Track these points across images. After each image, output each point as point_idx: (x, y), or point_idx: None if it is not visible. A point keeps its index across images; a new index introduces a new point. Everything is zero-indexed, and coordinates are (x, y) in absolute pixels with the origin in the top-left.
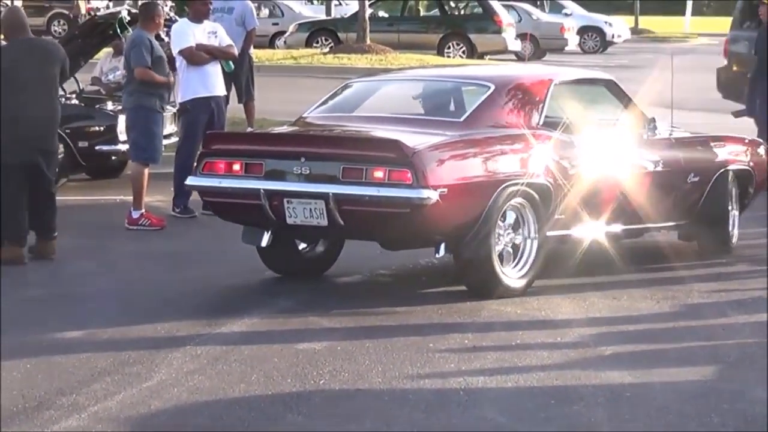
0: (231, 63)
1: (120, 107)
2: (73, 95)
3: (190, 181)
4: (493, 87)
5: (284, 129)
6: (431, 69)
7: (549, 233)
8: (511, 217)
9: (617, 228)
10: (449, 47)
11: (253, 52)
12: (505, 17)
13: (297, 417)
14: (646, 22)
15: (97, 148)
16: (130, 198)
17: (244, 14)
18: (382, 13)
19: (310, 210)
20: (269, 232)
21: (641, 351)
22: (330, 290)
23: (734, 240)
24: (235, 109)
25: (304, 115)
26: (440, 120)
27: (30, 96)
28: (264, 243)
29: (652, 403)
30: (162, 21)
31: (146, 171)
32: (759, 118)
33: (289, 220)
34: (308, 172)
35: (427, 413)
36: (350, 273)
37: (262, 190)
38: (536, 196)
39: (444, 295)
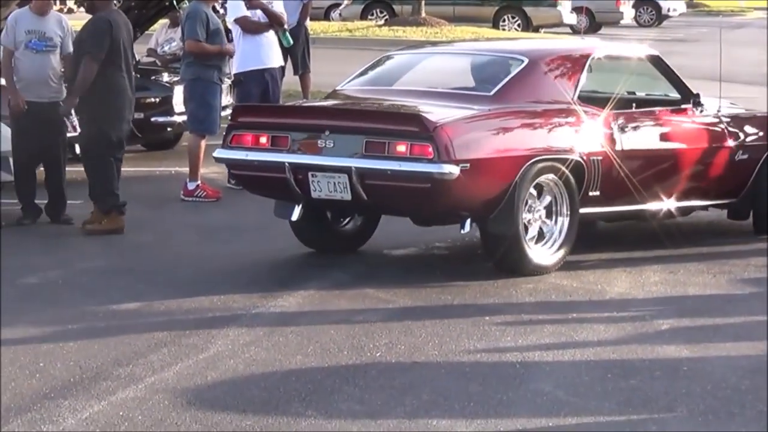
0: (289, 37)
1: (176, 79)
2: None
3: (218, 153)
4: (527, 61)
5: (311, 102)
6: (471, 42)
7: (584, 210)
8: (541, 193)
9: (661, 206)
10: (504, 20)
11: (309, 25)
12: None
13: (353, 389)
14: None
15: (152, 119)
16: (186, 169)
17: None
18: None
19: (334, 184)
20: (300, 206)
21: (698, 325)
22: (386, 264)
23: None
24: (291, 81)
25: (338, 88)
26: (470, 94)
27: (127, 67)
28: (294, 217)
29: (709, 377)
30: None
31: (203, 143)
32: None
33: (314, 194)
34: (332, 145)
35: (484, 386)
36: (405, 246)
37: (286, 164)
38: (568, 172)
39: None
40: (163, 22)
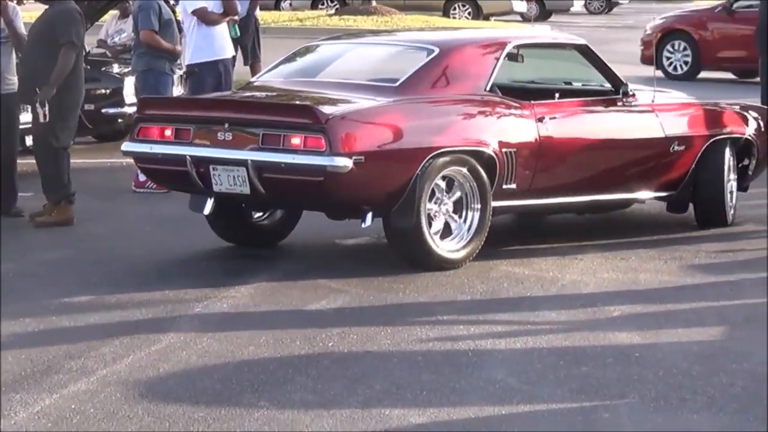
0: (236, 28)
1: (126, 70)
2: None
3: (125, 147)
4: (437, 51)
5: (217, 94)
6: (391, 33)
7: (501, 204)
8: (449, 186)
9: (590, 198)
10: (455, 8)
11: (259, 14)
12: None
13: (306, 379)
14: None
15: (103, 110)
16: None
17: None
18: None
19: (234, 177)
20: (212, 200)
21: (649, 311)
22: (338, 253)
23: (731, 213)
24: (242, 71)
25: (253, 79)
26: (376, 85)
27: (80, 58)
28: (206, 211)
29: (660, 363)
30: None
31: None
32: None
33: (215, 188)
34: (231, 138)
35: (436, 375)
36: (357, 236)
37: (188, 157)
38: (477, 165)
39: None
40: (114, 13)
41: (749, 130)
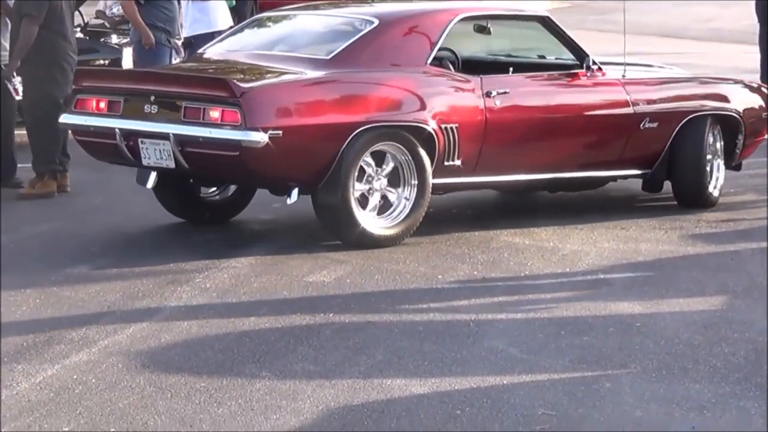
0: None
1: (125, 41)
2: (78, 29)
3: (63, 119)
4: (376, 23)
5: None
6: (345, 4)
7: (441, 180)
8: (383, 162)
9: (548, 176)
10: None
11: None
12: None
13: (308, 349)
14: None
15: None
16: None
17: None
18: None
19: (159, 151)
20: (155, 174)
21: (650, 281)
22: None
23: (715, 193)
24: None
25: (200, 51)
26: (309, 57)
27: (70, 30)
28: (149, 185)
29: (662, 333)
30: None
31: None
32: None
33: (144, 161)
34: (156, 111)
35: (438, 345)
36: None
37: (117, 129)
38: (414, 140)
39: (452, 226)
40: None
41: (737, 107)
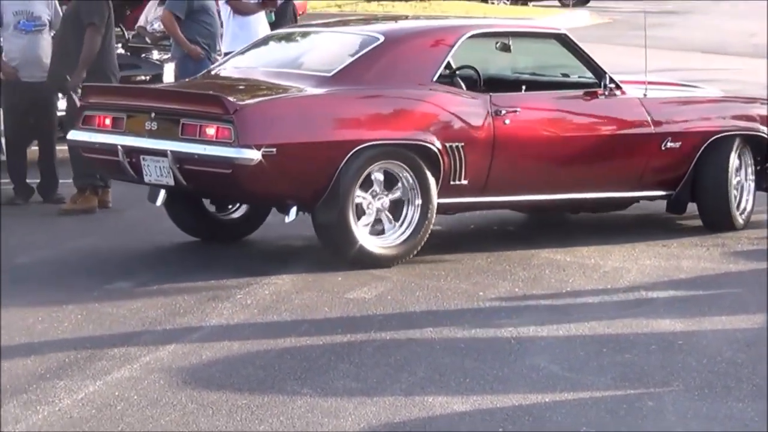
0: (272, 14)
1: (166, 56)
2: (119, 44)
3: (70, 135)
4: (381, 39)
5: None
6: (353, 22)
7: (447, 200)
8: (385, 180)
9: (563, 196)
10: None
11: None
12: None
13: (349, 366)
14: None
15: None
16: None
17: None
18: None
19: (160, 168)
20: (164, 192)
21: (692, 298)
22: None
23: (742, 217)
24: None
25: (212, 67)
26: (311, 75)
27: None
28: (159, 202)
29: (704, 351)
30: None
31: None
32: None
33: (146, 178)
34: (156, 128)
35: (479, 362)
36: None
37: (119, 146)
38: (418, 159)
39: (493, 242)
40: None
41: (766, 128)
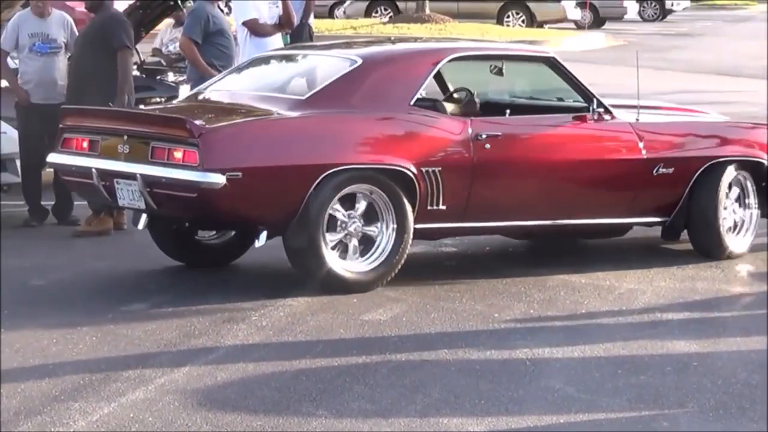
0: (288, 36)
1: (181, 78)
2: (135, 66)
3: (49, 158)
4: (359, 62)
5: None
6: (339, 44)
7: (424, 225)
8: (360, 205)
9: (550, 222)
10: (509, 16)
11: (313, 22)
12: None
13: (364, 388)
14: None
15: None
16: None
17: None
18: None
19: (131, 192)
20: (145, 215)
21: (707, 320)
22: None
23: (736, 243)
24: None
25: (197, 90)
26: (286, 98)
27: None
28: (140, 226)
29: (719, 372)
30: None
31: None
32: None
33: (120, 202)
34: (128, 151)
35: (494, 383)
36: (413, 244)
37: (93, 170)
38: (392, 183)
39: (508, 264)
40: (168, 21)
41: (766, 155)
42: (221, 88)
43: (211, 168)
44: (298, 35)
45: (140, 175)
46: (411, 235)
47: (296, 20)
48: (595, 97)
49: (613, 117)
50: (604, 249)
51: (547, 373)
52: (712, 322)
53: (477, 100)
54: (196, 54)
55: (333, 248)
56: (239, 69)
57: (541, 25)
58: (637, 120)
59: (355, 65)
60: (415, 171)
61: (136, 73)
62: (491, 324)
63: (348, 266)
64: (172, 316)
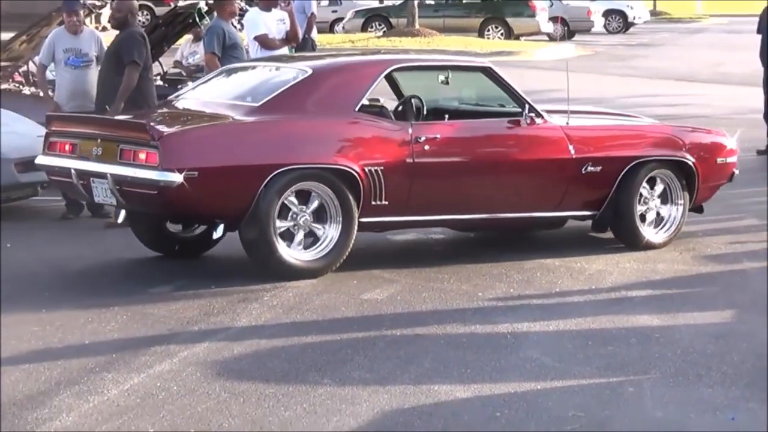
0: (293, 50)
1: None
2: (158, 77)
3: (37, 160)
4: (309, 73)
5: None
6: (297, 58)
7: (369, 219)
8: (313, 204)
9: (486, 216)
10: (489, 30)
11: (316, 36)
12: (539, 2)
13: (363, 359)
14: (663, 5)
15: None
16: None
17: (304, 3)
18: (429, 0)
19: (104, 189)
20: (123, 210)
21: (667, 296)
22: (388, 247)
23: (657, 236)
24: None
25: (170, 98)
26: (242, 105)
27: (145, 75)
28: (119, 220)
29: (678, 343)
30: (236, 9)
31: None
32: None
33: (96, 199)
34: (101, 153)
35: (479, 354)
36: (407, 232)
37: (72, 170)
38: (337, 181)
39: (490, 249)
40: (188, 37)
41: (689, 153)
42: (192, 96)
43: (169, 168)
44: (302, 48)
45: (110, 174)
46: (356, 228)
47: (300, 35)
48: (527, 102)
49: (545, 121)
50: (575, 236)
51: (525, 345)
52: (672, 298)
53: (421, 106)
54: (218, 65)
55: (280, 234)
56: (209, 80)
57: (517, 37)
58: (567, 123)
59: (306, 75)
60: (358, 169)
61: (159, 82)
62: (476, 302)
63: (297, 255)
64: (194, 297)
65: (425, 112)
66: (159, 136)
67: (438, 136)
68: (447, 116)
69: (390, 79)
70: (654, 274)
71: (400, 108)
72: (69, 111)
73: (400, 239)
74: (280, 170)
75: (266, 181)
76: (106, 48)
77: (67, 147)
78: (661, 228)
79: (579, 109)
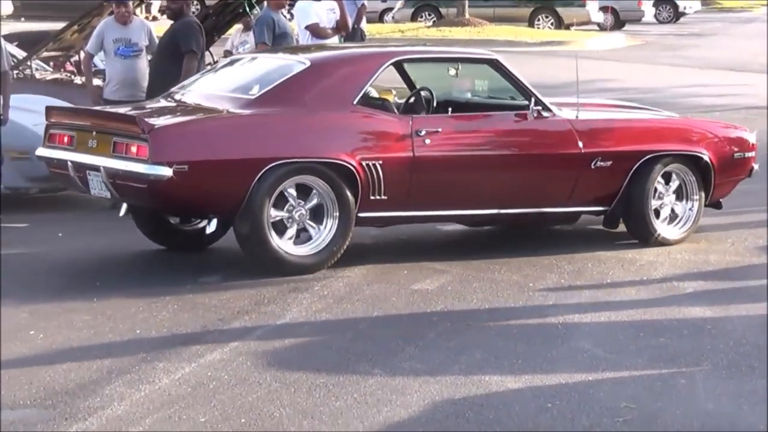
0: (342, 39)
1: None
2: (209, 66)
3: (37, 152)
4: (307, 65)
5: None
6: (306, 49)
7: (368, 214)
8: (310, 197)
9: (492, 211)
10: (539, 19)
11: (365, 26)
12: None
13: (414, 350)
14: None
15: None
16: None
17: None
18: None
19: (99, 182)
20: (125, 204)
21: (719, 288)
22: (437, 238)
23: (672, 232)
24: None
25: (172, 90)
26: (238, 97)
27: (200, 64)
28: (121, 213)
29: (731, 334)
30: None
31: None
32: None
33: (92, 192)
34: (96, 145)
35: (530, 345)
36: (452, 225)
37: (69, 162)
38: (334, 175)
39: (541, 240)
40: (238, 26)
41: (704, 147)
42: (192, 89)
43: (159, 161)
44: (352, 37)
45: (103, 167)
46: (353, 224)
47: (350, 24)
48: (534, 95)
49: (552, 114)
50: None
51: (576, 336)
52: (724, 290)
53: (431, 98)
54: None
55: (273, 225)
56: (209, 72)
57: (567, 27)
58: (577, 117)
59: (303, 68)
60: (355, 164)
61: None
62: (526, 293)
63: (292, 250)
64: (244, 287)
65: (435, 105)
66: (149, 129)
67: (439, 129)
68: (450, 109)
69: (402, 71)
70: (706, 265)
71: (410, 100)
72: (118, 99)
73: (450, 229)
74: (273, 164)
75: (259, 175)
76: (157, 38)
77: (65, 139)
78: (677, 224)
79: (591, 101)
